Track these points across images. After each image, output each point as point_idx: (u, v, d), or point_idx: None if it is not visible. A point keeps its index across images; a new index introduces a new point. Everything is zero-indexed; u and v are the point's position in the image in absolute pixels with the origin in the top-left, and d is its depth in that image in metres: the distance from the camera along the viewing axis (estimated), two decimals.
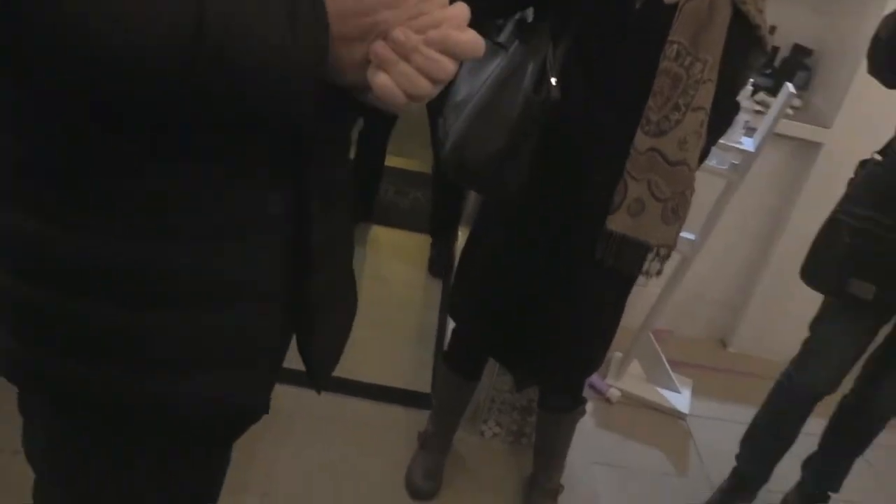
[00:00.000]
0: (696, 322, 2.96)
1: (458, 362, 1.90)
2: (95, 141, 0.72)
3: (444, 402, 2.00)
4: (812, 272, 1.76)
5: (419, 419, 2.15)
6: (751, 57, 1.53)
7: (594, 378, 2.52)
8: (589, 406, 2.43)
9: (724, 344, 2.97)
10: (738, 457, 2.10)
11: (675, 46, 1.35)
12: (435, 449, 2.01)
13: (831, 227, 1.70)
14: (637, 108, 1.39)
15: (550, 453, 1.94)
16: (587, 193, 1.47)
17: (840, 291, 1.68)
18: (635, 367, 2.57)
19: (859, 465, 2.05)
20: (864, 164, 1.75)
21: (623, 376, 2.54)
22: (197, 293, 0.82)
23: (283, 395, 2.17)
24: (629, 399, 2.50)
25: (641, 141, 1.40)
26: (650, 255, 1.51)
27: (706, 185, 2.65)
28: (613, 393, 2.48)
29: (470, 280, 1.71)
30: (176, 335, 0.83)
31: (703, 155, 1.55)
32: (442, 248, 3.03)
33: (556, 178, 1.46)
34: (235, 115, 0.69)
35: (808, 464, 2.11)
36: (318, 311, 0.94)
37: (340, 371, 2.33)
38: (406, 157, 3.75)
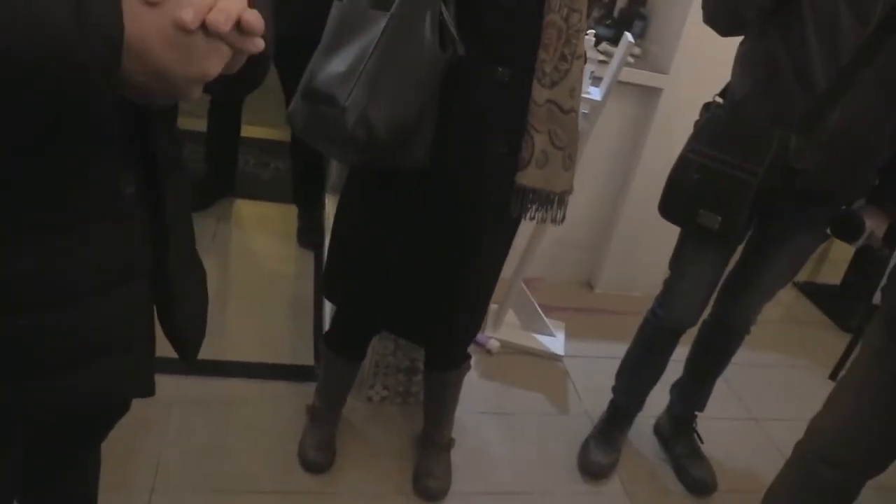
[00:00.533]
0: (563, 267, 3.09)
1: (341, 344, 1.88)
2: None
3: (330, 381, 1.97)
4: (667, 206, 1.87)
5: (305, 392, 2.12)
6: (593, 7, 1.60)
7: None
8: (472, 359, 2.50)
9: (591, 286, 3.13)
10: (613, 389, 2.24)
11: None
12: (325, 421, 1.99)
13: (682, 164, 1.82)
14: (527, 61, 1.42)
15: (440, 410, 1.98)
16: (489, 150, 1.47)
17: (690, 222, 1.80)
18: (511, 316, 2.65)
19: (719, 385, 2.24)
20: (707, 106, 1.87)
21: (500, 327, 2.62)
22: (64, 286, 0.79)
23: (158, 386, 2.09)
24: (508, 347, 2.59)
25: (539, 93, 1.43)
26: (556, 202, 1.56)
27: None
28: (493, 344, 2.56)
29: (349, 256, 1.67)
30: (53, 333, 0.80)
31: None
32: (309, 218, 2.97)
33: (451, 138, 1.44)
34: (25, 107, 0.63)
35: (674, 388, 2.28)
36: (177, 284, 0.94)
37: (217, 353, 2.28)
38: (262, 125, 3.63)
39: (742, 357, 2.26)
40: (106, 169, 0.78)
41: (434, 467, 1.97)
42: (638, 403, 2.22)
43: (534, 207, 1.52)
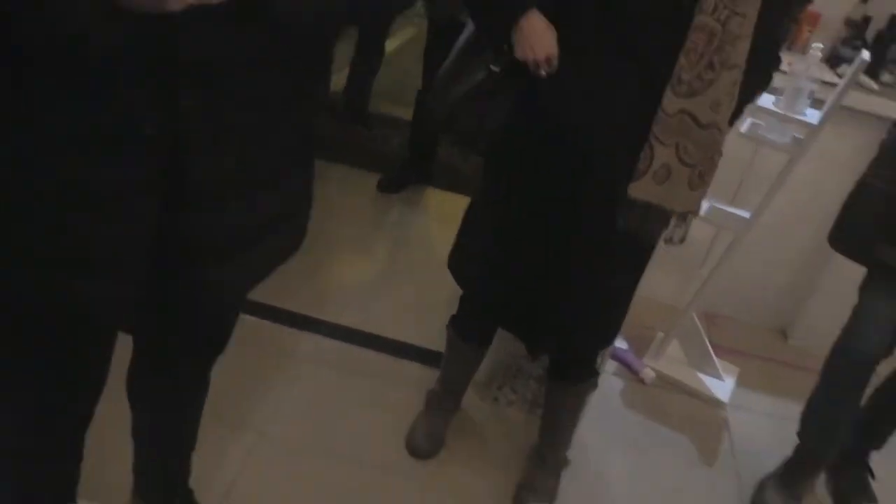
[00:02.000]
0: (756, 310, 2.76)
1: (464, 328, 1.83)
2: None
3: (451, 366, 1.93)
4: (838, 236, 1.69)
5: (433, 377, 2.09)
6: (793, 6, 1.40)
7: (629, 356, 2.39)
8: (619, 384, 2.32)
9: (784, 335, 2.75)
10: (799, 434, 1.99)
11: (713, 0, 1.23)
12: (440, 410, 1.95)
13: (861, 190, 1.61)
14: (663, 65, 1.28)
15: (556, 425, 1.85)
16: (606, 159, 1.37)
17: (866, 257, 1.60)
18: (676, 349, 2.41)
19: None
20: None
21: (661, 357, 2.39)
22: (63, 196, 0.83)
23: (301, 340, 2.19)
24: (665, 381, 2.35)
25: (671, 102, 1.29)
26: (673, 222, 1.41)
27: (766, 159, 2.45)
28: (648, 373, 2.34)
29: (474, 243, 1.63)
30: (39, 234, 0.84)
31: (735, 116, 1.42)
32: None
33: (567, 141, 1.38)
34: None
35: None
36: (203, 243, 0.93)
37: (367, 324, 2.34)
38: None
39: None
40: (127, 108, 0.80)
41: (539, 485, 1.84)
42: (828, 449, 1.94)
43: (645, 222, 1.37)
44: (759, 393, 2.41)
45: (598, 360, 1.83)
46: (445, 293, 2.61)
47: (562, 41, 1.32)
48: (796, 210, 2.56)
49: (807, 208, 2.54)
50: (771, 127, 2.15)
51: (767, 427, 2.24)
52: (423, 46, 2.88)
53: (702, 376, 2.37)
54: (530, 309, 1.57)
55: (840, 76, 2.40)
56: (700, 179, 1.37)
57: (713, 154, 1.36)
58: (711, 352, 2.37)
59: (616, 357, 2.37)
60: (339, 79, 3.99)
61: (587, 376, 1.77)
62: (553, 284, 1.51)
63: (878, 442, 2.02)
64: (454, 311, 1.86)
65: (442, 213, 3.15)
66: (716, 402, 2.32)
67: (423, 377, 2.15)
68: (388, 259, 2.81)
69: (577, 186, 1.40)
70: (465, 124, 1.43)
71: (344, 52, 3.65)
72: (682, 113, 1.29)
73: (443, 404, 1.96)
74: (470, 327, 1.83)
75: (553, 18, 1.33)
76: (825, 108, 2.07)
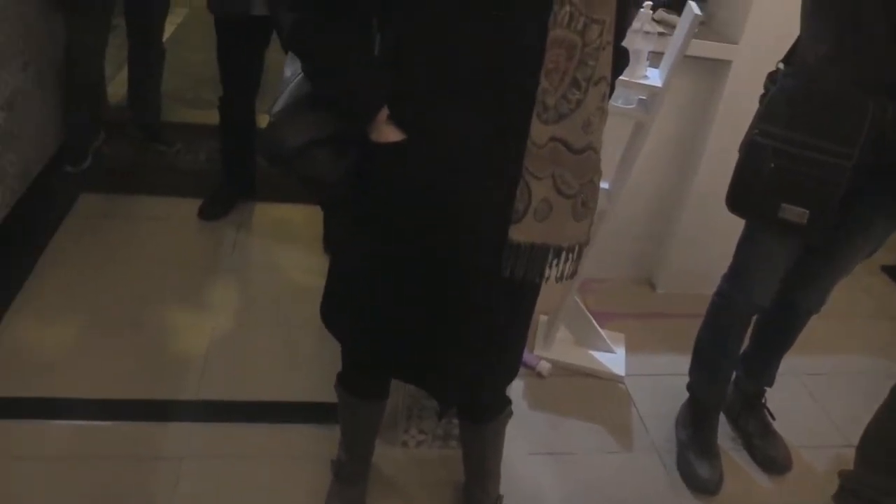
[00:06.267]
0: (621, 263, 2.77)
1: (356, 384, 1.61)
2: None
3: (350, 429, 1.72)
4: (738, 201, 1.66)
5: (333, 437, 1.86)
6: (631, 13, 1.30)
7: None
8: (519, 385, 2.22)
9: (652, 285, 2.79)
10: (689, 386, 2.07)
11: (568, 9, 1.06)
12: (351, 478, 1.75)
13: (752, 150, 1.58)
14: (523, 91, 1.11)
15: (481, 466, 1.71)
16: (478, 205, 1.19)
17: (770, 217, 1.58)
18: (562, 331, 2.35)
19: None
20: (772, 76, 1.63)
21: (552, 344, 2.33)
22: None
23: (165, 439, 1.87)
24: (562, 369, 2.29)
25: (539, 132, 1.12)
26: (563, 256, 1.26)
27: (614, 125, 2.40)
28: (544, 366, 2.26)
29: (346, 295, 1.42)
30: None
31: None
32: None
33: (427, 186, 1.19)
34: None
35: (742, 361, 2.10)
36: None
37: (235, 391, 2.05)
38: None
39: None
40: None
41: None
42: (719, 394, 2.03)
43: (532, 264, 1.22)
44: (647, 354, 2.42)
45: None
46: (312, 326, 2.37)
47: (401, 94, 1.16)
48: (643, 161, 2.55)
49: (651, 157, 2.54)
50: (616, 94, 2.08)
51: (666, 387, 2.25)
52: (198, 34, 2.53)
53: (594, 353, 2.33)
54: (424, 361, 1.40)
55: (659, 22, 2.37)
56: (584, 208, 1.24)
57: (592, 176, 1.23)
58: (598, 327, 2.34)
59: None
60: (115, 89, 3.47)
61: (501, 408, 1.64)
62: (442, 334, 1.34)
63: (767, 380, 2.11)
64: (331, 344, 1.62)
65: (282, 232, 2.84)
66: (614, 378, 2.30)
67: (320, 439, 1.91)
68: (232, 304, 2.45)
69: (451, 236, 1.23)
70: (307, 169, 1.20)
71: (113, 55, 3.14)
72: (554, 141, 1.14)
73: (353, 472, 1.75)
74: (362, 382, 1.63)
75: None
76: (664, 66, 2.03)
